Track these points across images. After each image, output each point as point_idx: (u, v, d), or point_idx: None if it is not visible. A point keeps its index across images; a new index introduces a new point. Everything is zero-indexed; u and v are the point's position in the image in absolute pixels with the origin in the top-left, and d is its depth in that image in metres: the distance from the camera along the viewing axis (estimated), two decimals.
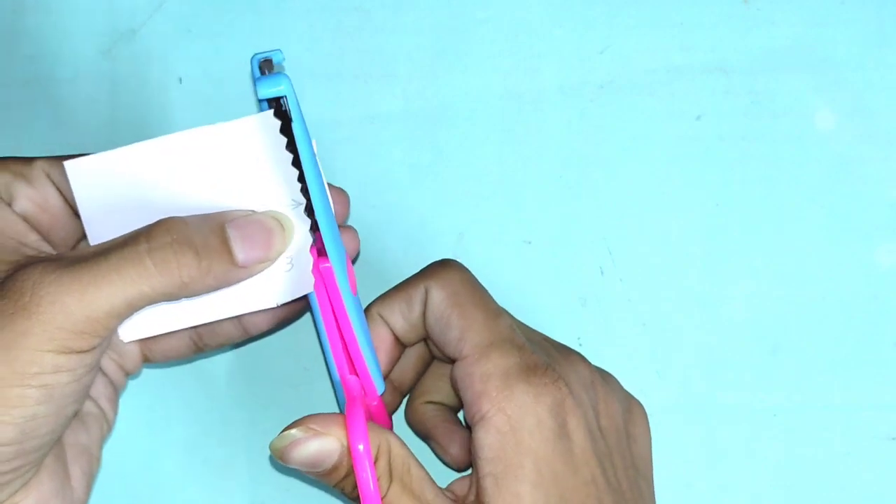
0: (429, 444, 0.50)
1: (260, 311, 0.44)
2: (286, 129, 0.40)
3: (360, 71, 0.54)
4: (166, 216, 0.40)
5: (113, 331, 0.39)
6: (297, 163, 0.41)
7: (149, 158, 0.41)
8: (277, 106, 0.40)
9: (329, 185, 0.44)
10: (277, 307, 0.43)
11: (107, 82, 0.54)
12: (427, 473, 0.44)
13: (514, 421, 0.43)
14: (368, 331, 0.46)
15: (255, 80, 0.39)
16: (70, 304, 0.37)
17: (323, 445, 0.42)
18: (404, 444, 0.44)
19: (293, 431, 0.42)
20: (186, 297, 0.40)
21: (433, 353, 0.49)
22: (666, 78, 0.53)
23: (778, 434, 0.52)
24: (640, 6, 0.54)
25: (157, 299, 0.39)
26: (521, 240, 0.53)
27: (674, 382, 0.52)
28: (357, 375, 0.45)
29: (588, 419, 0.44)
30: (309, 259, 0.42)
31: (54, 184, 0.43)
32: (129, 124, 0.53)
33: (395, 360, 0.48)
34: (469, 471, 0.46)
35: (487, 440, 0.43)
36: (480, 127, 0.53)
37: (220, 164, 0.41)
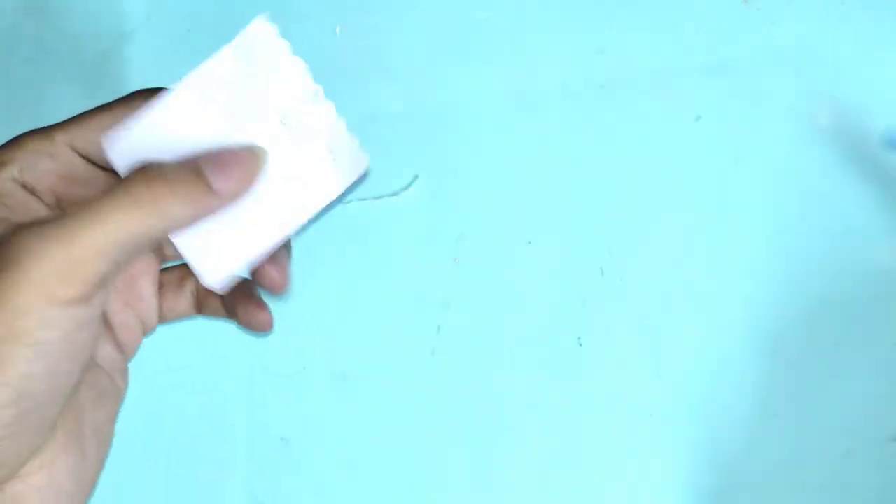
0: None
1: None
2: None
3: (360, 71, 0.54)
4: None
5: (103, 277, 0.39)
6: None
7: (175, 111, 0.42)
8: None
9: None
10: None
11: (107, 83, 0.54)
12: None
13: None
14: None
15: None
16: (53, 249, 0.38)
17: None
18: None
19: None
20: (173, 228, 0.40)
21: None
22: (666, 78, 0.53)
23: (778, 434, 0.52)
24: (640, 6, 0.54)
25: (143, 234, 0.39)
26: (522, 240, 0.53)
27: (674, 382, 0.52)
28: None
29: None
30: (352, 139, 0.43)
31: (77, 151, 0.43)
32: None
33: None
34: None
35: None
36: (480, 127, 0.53)
37: (235, 90, 0.42)
